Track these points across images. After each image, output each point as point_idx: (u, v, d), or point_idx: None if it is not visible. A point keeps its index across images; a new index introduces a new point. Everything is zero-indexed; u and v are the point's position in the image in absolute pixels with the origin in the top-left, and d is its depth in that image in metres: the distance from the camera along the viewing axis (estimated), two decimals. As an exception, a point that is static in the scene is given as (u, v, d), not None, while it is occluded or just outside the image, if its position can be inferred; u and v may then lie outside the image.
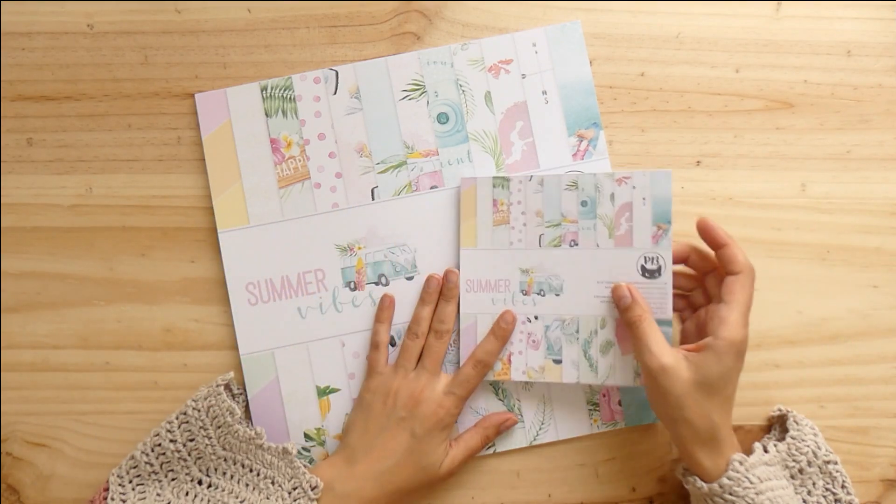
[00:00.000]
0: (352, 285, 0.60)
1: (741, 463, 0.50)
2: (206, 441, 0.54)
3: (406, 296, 0.59)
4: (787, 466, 0.54)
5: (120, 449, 0.58)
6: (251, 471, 0.54)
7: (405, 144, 0.60)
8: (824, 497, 0.54)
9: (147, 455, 0.54)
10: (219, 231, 0.60)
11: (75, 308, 0.60)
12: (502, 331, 0.57)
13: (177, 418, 0.55)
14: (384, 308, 0.58)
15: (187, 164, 0.61)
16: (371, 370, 0.58)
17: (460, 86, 0.61)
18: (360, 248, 0.60)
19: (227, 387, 0.57)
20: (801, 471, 0.54)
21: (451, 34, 0.61)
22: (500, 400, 0.59)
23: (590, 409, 0.59)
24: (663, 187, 0.54)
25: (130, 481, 0.54)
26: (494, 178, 0.58)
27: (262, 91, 0.61)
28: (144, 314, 0.60)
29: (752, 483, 0.49)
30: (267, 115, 0.60)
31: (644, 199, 0.55)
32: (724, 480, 0.49)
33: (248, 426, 0.54)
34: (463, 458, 0.57)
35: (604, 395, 0.59)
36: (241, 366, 0.59)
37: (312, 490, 0.52)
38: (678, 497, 0.59)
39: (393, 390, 0.56)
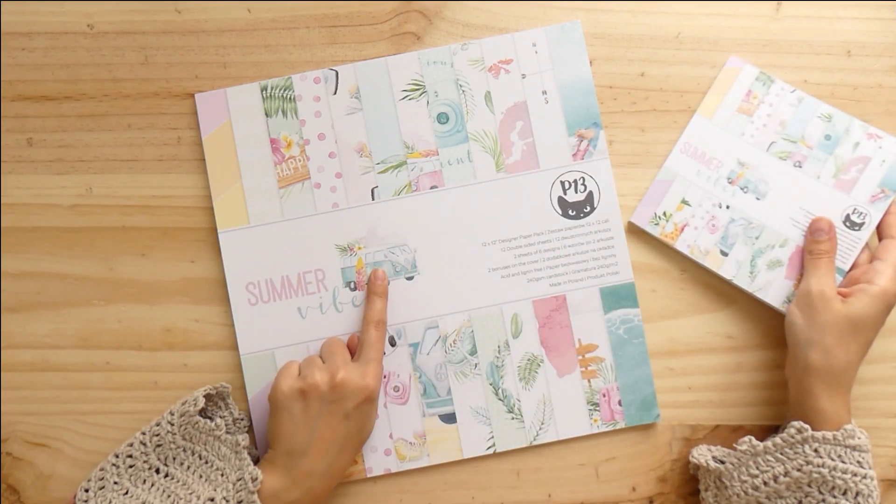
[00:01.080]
0: (352, 285, 0.60)
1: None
2: (168, 427, 0.54)
3: (406, 296, 0.59)
4: None
5: (120, 449, 0.58)
6: (206, 462, 0.54)
7: (405, 144, 0.60)
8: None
9: (118, 456, 0.55)
10: (219, 231, 0.60)
11: (75, 308, 0.60)
12: (379, 287, 0.58)
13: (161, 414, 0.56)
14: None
15: (187, 164, 0.61)
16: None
17: (460, 86, 0.61)
18: (360, 248, 0.60)
19: (222, 396, 0.57)
20: None
21: (451, 34, 0.61)
22: (500, 400, 0.59)
23: (590, 409, 0.59)
24: None
25: (90, 479, 0.54)
26: (761, 72, 0.60)
27: (262, 91, 0.61)
28: (144, 314, 0.60)
29: (866, 448, 0.52)
30: (267, 115, 0.60)
31: (884, 161, 0.58)
32: (847, 428, 0.51)
33: (208, 419, 0.55)
34: (380, 374, 0.57)
35: (604, 395, 0.59)
36: (241, 366, 0.59)
37: (252, 482, 0.51)
38: (678, 497, 0.59)
39: (308, 385, 0.54)
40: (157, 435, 0.54)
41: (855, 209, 0.58)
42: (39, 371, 0.59)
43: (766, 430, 0.59)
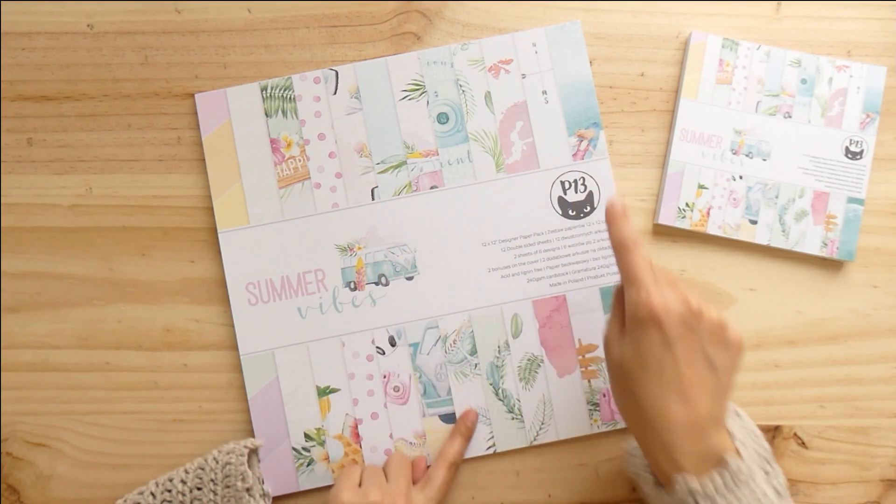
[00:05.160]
0: (352, 285, 0.60)
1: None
2: (211, 496, 0.54)
3: (406, 296, 0.59)
4: None
5: (120, 449, 0.58)
6: None
7: (405, 144, 0.60)
8: None
9: (154, 496, 0.54)
10: (219, 231, 0.60)
11: (75, 308, 0.60)
12: (467, 430, 0.57)
13: (198, 465, 0.55)
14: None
15: (187, 164, 0.61)
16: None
17: (460, 86, 0.61)
18: (360, 248, 0.60)
19: (254, 450, 0.57)
20: None
21: (451, 34, 0.61)
22: (500, 400, 0.59)
23: (590, 409, 0.59)
24: (877, 80, 0.60)
25: None
26: (724, 39, 0.61)
27: (262, 91, 0.61)
28: (144, 314, 0.60)
29: None
30: (267, 115, 0.60)
31: (858, 88, 0.61)
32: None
33: (254, 498, 0.55)
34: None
35: (604, 395, 0.59)
36: (241, 366, 0.59)
37: None
38: (678, 497, 0.59)
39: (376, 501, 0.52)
40: (199, 501, 0.54)
41: (850, 139, 0.60)
42: (39, 371, 0.59)
43: (766, 431, 0.59)
